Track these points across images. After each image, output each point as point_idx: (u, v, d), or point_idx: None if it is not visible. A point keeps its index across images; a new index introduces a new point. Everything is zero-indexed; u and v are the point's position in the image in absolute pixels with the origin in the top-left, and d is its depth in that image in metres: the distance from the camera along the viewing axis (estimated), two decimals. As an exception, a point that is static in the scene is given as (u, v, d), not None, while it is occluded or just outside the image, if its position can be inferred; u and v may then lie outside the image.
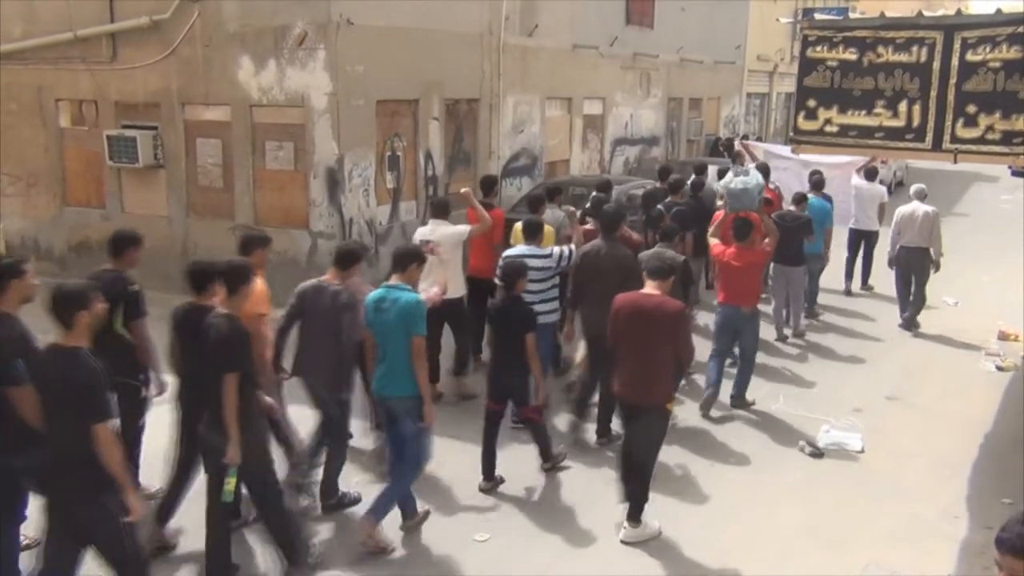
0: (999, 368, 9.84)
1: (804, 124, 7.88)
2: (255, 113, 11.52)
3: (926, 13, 7.64)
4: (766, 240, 8.50)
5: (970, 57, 7.02)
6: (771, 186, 11.19)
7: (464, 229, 8.23)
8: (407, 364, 5.74)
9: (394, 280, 5.89)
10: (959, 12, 8.00)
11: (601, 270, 7.29)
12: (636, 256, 7.49)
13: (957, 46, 7.07)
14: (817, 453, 7.58)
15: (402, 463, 5.96)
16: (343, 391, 6.31)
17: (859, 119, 7.54)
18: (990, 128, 6.98)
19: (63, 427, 4.38)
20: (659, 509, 6.55)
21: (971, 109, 7.06)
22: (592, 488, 6.90)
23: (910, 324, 11.15)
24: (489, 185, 9.59)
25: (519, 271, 6.64)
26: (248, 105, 11.48)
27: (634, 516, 6.12)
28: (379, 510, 5.89)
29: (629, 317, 6.00)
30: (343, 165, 11.27)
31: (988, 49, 6.93)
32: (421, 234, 8.18)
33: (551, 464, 7.10)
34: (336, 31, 10.90)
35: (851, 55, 7.51)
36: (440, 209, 8.38)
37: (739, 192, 8.54)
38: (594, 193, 9.76)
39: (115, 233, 6.22)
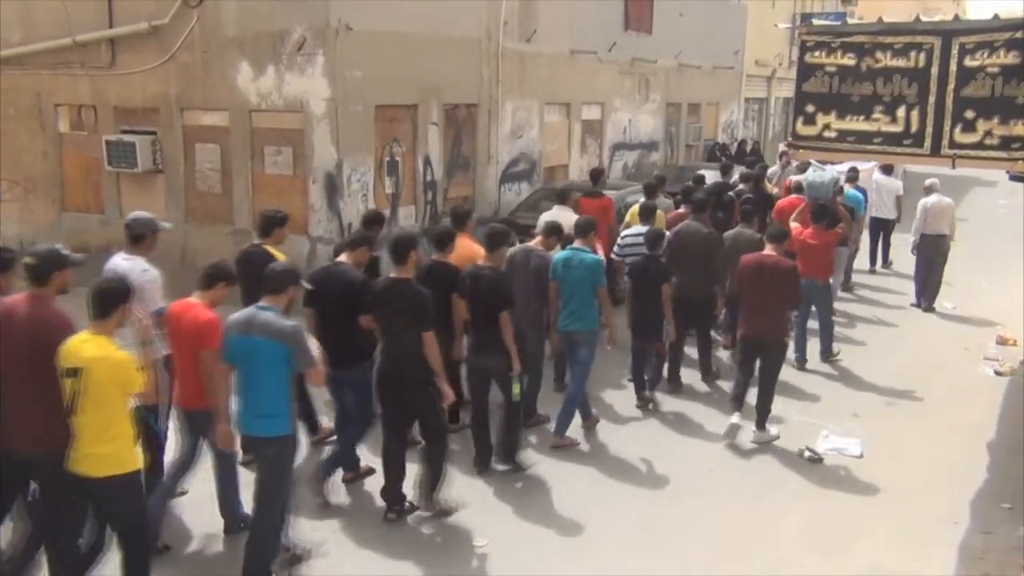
0: (998, 373, 9.83)
1: (803, 129, 7.91)
2: (254, 118, 11.52)
3: (924, 18, 7.66)
4: (840, 224, 10.08)
5: (968, 62, 7.04)
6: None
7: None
8: (590, 307, 7.50)
9: (578, 244, 7.60)
10: (957, 17, 8.00)
11: (690, 244, 8.88)
12: (720, 234, 9.27)
13: (955, 51, 7.10)
14: (816, 458, 7.57)
15: (576, 379, 7.72)
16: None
17: (858, 124, 7.56)
18: (988, 133, 7.00)
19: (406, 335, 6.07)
20: (656, 514, 6.56)
21: (969, 114, 7.09)
22: (591, 490, 6.90)
23: (931, 305, 12.29)
24: (596, 176, 11.70)
25: (659, 236, 8.47)
26: (247, 110, 11.48)
27: (761, 424, 7.88)
28: (562, 423, 7.64)
29: (753, 272, 7.72)
30: (342, 170, 11.27)
31: (986, 54, 6.95)
32: (546, 216, 9.44)
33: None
34: (335, 36, 10.91)
35: (849, 60, 7.53)
36: (563, 197, 10.31)
37: (816, 184, 10.35)
38: (688, 183, 11.44)
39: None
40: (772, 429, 7.91)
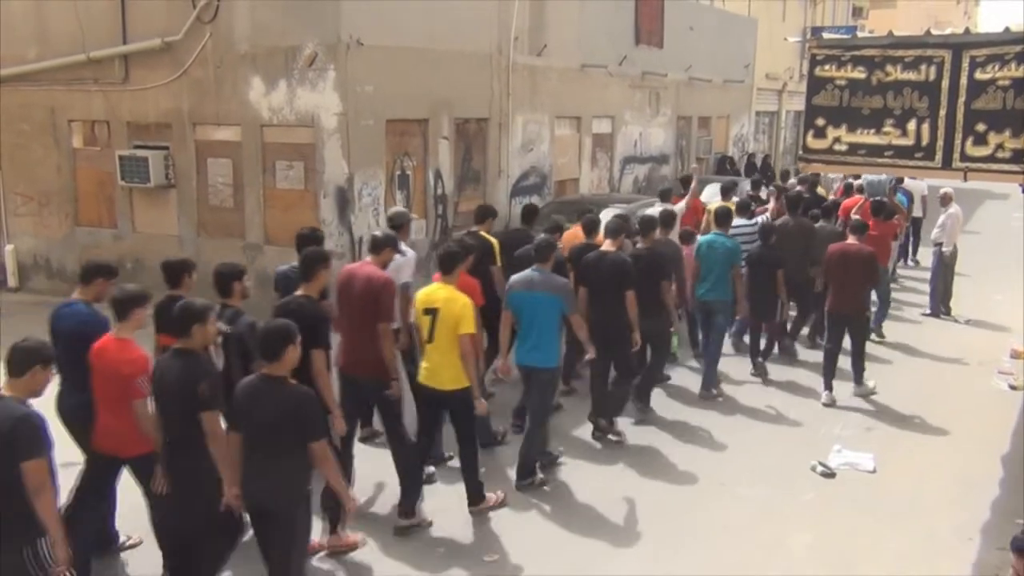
0: (1012, 387, 9.76)
1: (813, 143, 7.89)
2: (265, 133, 11.59)
3: (934, 32, 7.65)
4: (896, 216, 11.85)
5: (979, 75, 7.02)
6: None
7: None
8: (726, 282, 9.06)
9: (716, 230, 9.29)
10: (967, 31, 7.99)
11: (792, 236, 10.37)
12: (814, 227, 10.70)
13: (966, 64, 7.07)
14: (829, 473, 7.52)
15: (714, 342, 9.24)
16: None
17: (868, 138, 7.54)
18: (1000, 146, 6.96)
19: None
20: (666, 525, 6.53)
21: (980, 127, 7.05)
22: (604, 503, 6.88)
23: (948, 309, 12.86)
24: (686, 182, 12.45)
25: (771, 229, 10.04)
26: (259, 125, 11.55)
27: (859, 380, 9.36)
28: (708, 379, 9.27)
29: (839, 258, 9.17)
30: (353, 184, 11.31)
31: (997, 67, 6.92)
32: (650, 212, 10.38)
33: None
34: (346, 52, 10.97)
35: (860, 74, 7.51)
36: (664, 196, 11.79)
37: (875, 183, 12.65)
38: (778, 181, 13.35)
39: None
40: (869, 383, 9.39)
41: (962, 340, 11.63)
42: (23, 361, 4.40)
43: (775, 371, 10.08)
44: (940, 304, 12.94)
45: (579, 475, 7.39)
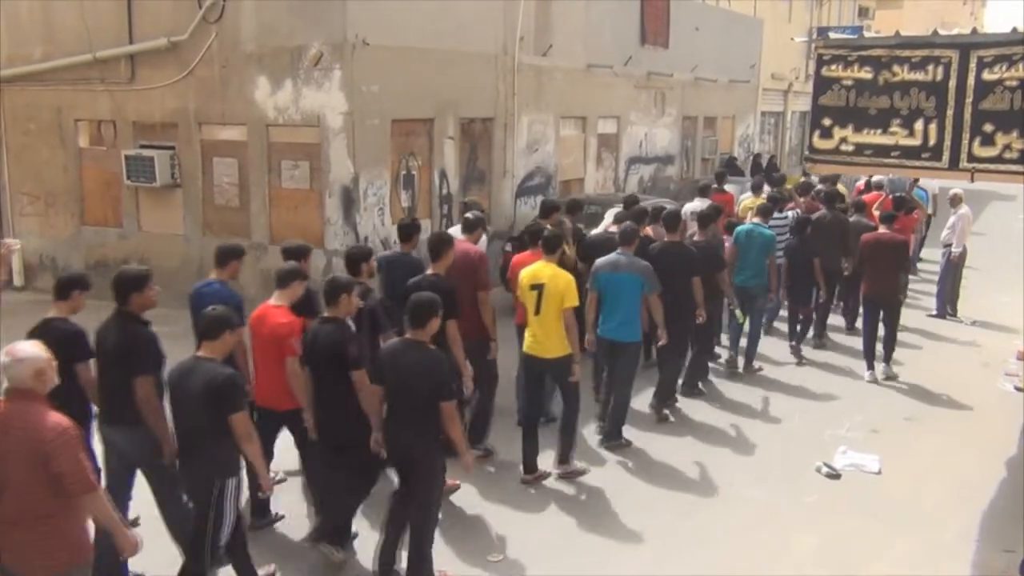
0: (1018, 389, 9.74)
1: (819, 143, 7.86)
2: (271, 133, 11.60)
3: (941, 32, 7.62)
4: (916, 211, 13.05)
5: (986, 76, 6.99)
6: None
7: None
8: (764, 269, 9.86)
9: (756, 221, 10.22)
10: (975, 31, 7.96)
11: (830, 228, 11.07)
12: (848, 220, 11.41)
13: (973, 65, 7.05)
14: (834, 474, 7.51)
15: (756, 322, 10.11)
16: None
17: (875, 138, 7.51)
18: (1007, 147, 6.93)
19: None
20: (673, 527, 6.52)
21: (988, 128, 7.02)
22: (610, 503, 6.88)
23: (955, 310, 12.98)
24: (720, 178, 14.27)
25: (807, 222, 10.77)
26: (264, 125, 11.56)
27: (888, 359, 10.13)
28: (750, 355, 10.16)
29: (873, 247, 10.02)
30: (358, 184, 11.32)
31: (1004, 68, 6.90)
32: (691, 207, 11.51)
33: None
34: (352, 51, 10.98)
35: (866, 74, 7.49)
36: (704, 191, 12.54)
37: (896, 180, 13.32)
38: (814, 178, 13.92)
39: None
40: (893, 368, 10.12)
41: (969, 341, 11.60)
42: (216, 327, 5.05)
43: (808, 354, 10.90)
44: (947, 305, 12.94)
45: (583, 475, 7.39)
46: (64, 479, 3.96)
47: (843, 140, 7.68)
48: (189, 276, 11.48)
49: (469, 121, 13.49)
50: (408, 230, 7.76)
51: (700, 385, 9.43)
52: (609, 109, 17.67)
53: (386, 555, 5.65)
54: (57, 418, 4.05)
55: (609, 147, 17.96)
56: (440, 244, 6.93)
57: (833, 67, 7.67)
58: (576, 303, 6.94)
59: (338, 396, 5.67)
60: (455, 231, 8.57)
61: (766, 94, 26.57)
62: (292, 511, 6.60)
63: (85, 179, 13.24)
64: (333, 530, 5.88)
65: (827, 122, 7.75)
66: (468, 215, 8.14)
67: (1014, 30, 7.03)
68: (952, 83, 7.14)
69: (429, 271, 6.88)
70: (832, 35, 8.64)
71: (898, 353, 10.95)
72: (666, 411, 8.71)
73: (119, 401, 5.28)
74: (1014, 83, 6.85)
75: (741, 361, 10.14)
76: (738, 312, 9.71)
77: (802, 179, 14.87)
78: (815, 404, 9.23)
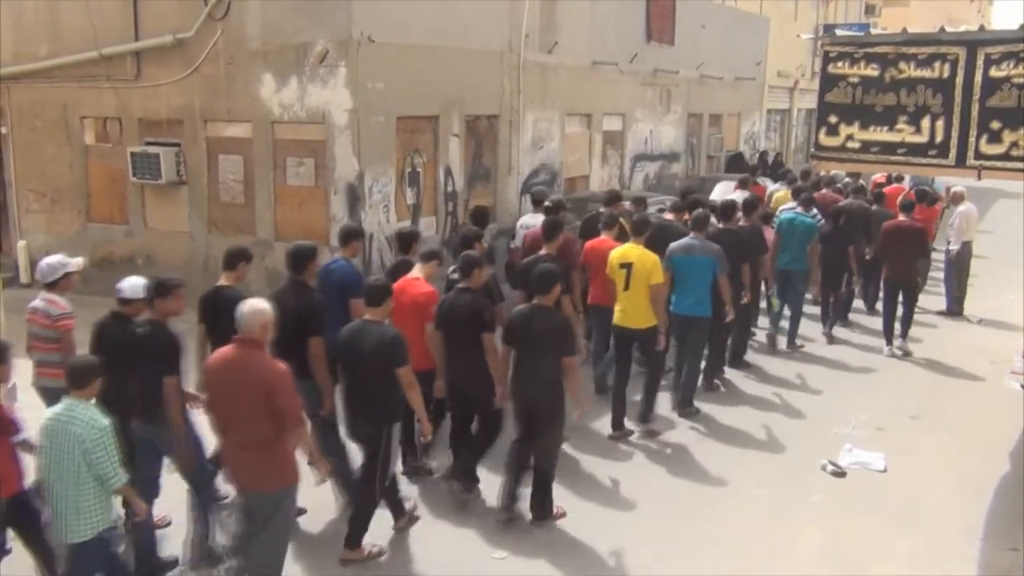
0: (1023, 387, 9.71)
1: (826, 140, 7.84)
2: (276, 130, 11.60)
3: (948, 29, 7.59)
4: (937, 203, 13.77)
5: (993, 73, 6.96)
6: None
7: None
8: (804, 254, 10.51)
9: (799, 210, 10.83)
10: (982, 28, 7.94)
11: (853, 218, 11.40)
12: (872, 210, 12.05)
13: (980, 62, 7.02)
14: (839, 472, 7.49)
15: (797, 304, 10.79)
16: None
17: (881, 135, 7.49)
18: (1015, 144, 6.91)
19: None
20: (678, 526, 6.51)
21: (995, 125, 7.00)
22: (612, 502, 6.87)
23: (962, 310, 12.88)
24: (753, 171, 14.96)
25: (841, 211, 11.25)
26: (269, 122, 11.57)
27: (904, 335, 10.81)
28: (792, 333, 10.97)
29: (893, 234, 10.60)
30: (363, 181, 11.32)
31: (1012, 65, 6.87)
32: (732, 195, 11.88)
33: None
34: (357, 49, 10.98)
35: (873, 71, 7.47)
36: (744, 184, 13.21)
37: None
38: (843, 173, 14.67)
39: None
40: (908, 344, 10.80)
41: (974, 340, 11.56)
42: (380, 295, 5.87)
43: (813, 347, 11.13)
44: (953, 303, 12.92)
45: (587, 475, 7.39)
46: (284, 412, 4.88)
47: (849, 137, 7.66)
48: (195, 273, 11.53)
49: (474, 118, 13.48)
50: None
51: (717, 381, 9.53)
52: (614, 106, 17.65)
53: (509, 494, 6.41)
54: (277, 363, 4.95)
55: (614, 144, 17.95)
56: (554, 227, 7.92)
57: (839, 64, 7.65)
58: (661, 279, 7.79)
59: (472, 356, 6.40)
60: (530, 219, 9.93)
61: (772, 91, 26.53)
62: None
63: (91, 176, 13.26)
64: (462, 472, 6.68)
65: (833, 119, 7.73)
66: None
67: (1021, 27, 7.00)
68: (959, 80, 7.12)
69: (543, 251, 7.87)
70: (838, 32, 8.61)
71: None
72: (716, 381, 9.40)
73: (295, 358, 5.60)
74: (1021, 80, 6.82)
75: (782, 340, 10.89)
76: (774, 299, 10.56)
77: (836, 173, 15.17)
78: (821, 402, 9.21)
